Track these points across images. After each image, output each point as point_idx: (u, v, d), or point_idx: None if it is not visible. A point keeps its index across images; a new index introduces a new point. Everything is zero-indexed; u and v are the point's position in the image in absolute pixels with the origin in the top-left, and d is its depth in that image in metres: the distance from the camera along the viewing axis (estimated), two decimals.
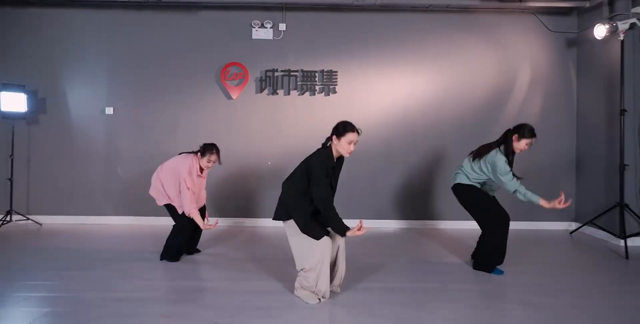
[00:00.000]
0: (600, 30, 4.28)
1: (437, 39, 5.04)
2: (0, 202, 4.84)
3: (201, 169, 3.56)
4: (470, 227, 4.06)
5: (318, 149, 2.73)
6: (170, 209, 3.51)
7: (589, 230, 4.68)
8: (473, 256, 3.57)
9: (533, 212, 5.01)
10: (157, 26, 4.99)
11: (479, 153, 3.35)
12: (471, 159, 3.41)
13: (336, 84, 5.00)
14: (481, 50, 5.06)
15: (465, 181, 3.39)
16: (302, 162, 2.73)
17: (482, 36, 5.06)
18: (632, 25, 4.03)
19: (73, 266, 3.30)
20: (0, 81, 4.71)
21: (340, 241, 2.76)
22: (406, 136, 5.03)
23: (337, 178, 2.83)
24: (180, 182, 3.40)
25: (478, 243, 3.51)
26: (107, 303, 2.60)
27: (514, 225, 5.01)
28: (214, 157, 3.50)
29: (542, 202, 3.17)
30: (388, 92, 5.03)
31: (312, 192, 2.59)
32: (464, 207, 3.49)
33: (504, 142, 3.30)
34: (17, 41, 4.95)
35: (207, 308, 2.56)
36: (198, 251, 3.76)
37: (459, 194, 3.44)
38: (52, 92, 4.98)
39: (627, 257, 3.76)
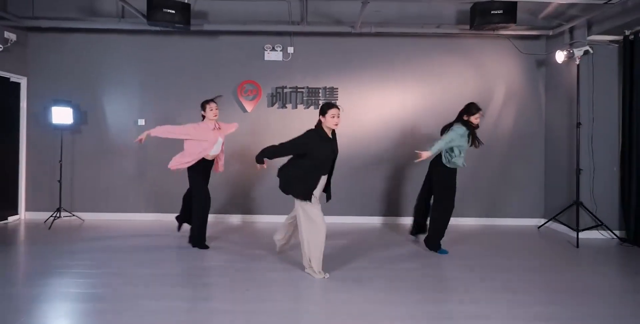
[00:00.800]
0: (559, 56, 5.08)
1: (423, 59, 5.82)
2: (51, 201, 5.66)
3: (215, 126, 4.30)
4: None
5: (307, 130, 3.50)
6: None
7: (554, 225, 5.46)
8: (412, 233, 4.66)
9: (507, 210, 5.81)
10: (182, 49, 5.78)
11: (444, 130, 4.33)
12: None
13: (337, 99, 5.78)
14: (461, 69, 5.84)
15: (445, 162, 4.21)
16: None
17: (462, 57, 5.83)
18: (586, 52, 4.80)
19: (113, 252, 4.11)
20: (51, 98, 5.54)
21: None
22: (397, 143, 5.79)
23: (337, 148, 3.61)
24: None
25: (420, 222, 4.56)
26: (143, 280, 3.39)
27: (490, 220, 5.85)
28: (213, 105, 4.27)
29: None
30: (381, 106, 5.81)
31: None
32: (434, 185, 4.33)
33: (460, 121, 4.23)
34: (64, 63, 5.76)
35: (237, 281, 3.35)
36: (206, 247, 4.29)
37: (439, 172, 4.29)
38: (92, 106, 5.78)
39: (577, 246, 4.55)
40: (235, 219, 5.78)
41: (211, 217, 4.64)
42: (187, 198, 4.37)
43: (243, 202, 5.80)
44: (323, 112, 3.42)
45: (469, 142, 4.15)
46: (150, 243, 4.49)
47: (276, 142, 3.57)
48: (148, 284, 3.22)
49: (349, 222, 5.70)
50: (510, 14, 4.69)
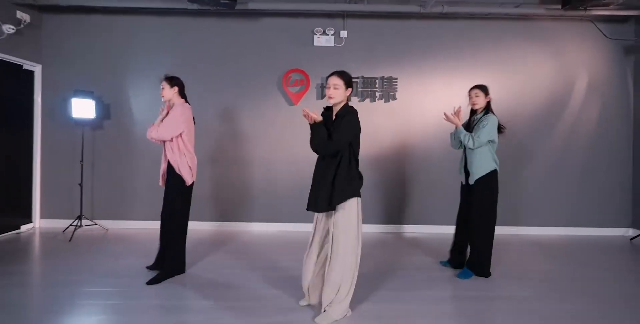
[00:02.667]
0: None
1: (494, 45, 5.09)
2: (69, 207, 4.94)
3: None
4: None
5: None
6: None
7: None
8: (452, 261, 3.62)
9: (590, 219, 5.10)
10: (220, 33, 5.05)
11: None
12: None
13: (396, 91, 5.06)
14: (537, 56, 5.11)
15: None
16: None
17: (538, 43, 5.11)
18: None
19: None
20: (71, 88, 4.81)
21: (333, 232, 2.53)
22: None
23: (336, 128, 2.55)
24: None
25: (460, 245, 3.56)
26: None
27: (569, 230, 5.14)
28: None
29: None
30: (446, 99, 5.07)
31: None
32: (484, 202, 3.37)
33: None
34: (84, 48, 5.01)
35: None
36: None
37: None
38: (116, 98, 5.05)
39: None
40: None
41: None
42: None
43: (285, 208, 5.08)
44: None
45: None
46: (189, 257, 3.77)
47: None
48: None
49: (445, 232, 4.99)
50: None
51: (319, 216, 2.65)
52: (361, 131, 2.65)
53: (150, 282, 3.12)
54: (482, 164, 3.29)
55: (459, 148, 3.54)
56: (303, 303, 2.77)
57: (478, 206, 3.30)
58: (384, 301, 2.90)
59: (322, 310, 2.54)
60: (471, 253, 3.39)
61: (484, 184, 3.29)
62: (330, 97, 2.59)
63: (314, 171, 2.65)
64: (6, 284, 3.12)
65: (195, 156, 3.35)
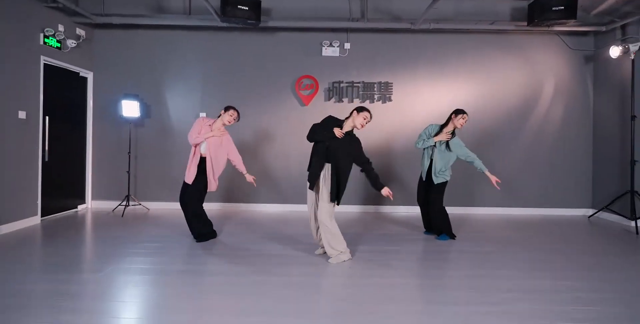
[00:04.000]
0: (614, 51, 5.24)
1: (475, 56, 6.01)
2: (115, 190, 5.89)
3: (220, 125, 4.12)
4: None
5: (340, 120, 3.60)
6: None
7: (604, 215, 5.64)
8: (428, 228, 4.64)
9: (556, 201, 6.00)
10: (243, 45, 6.00)
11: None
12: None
13: (392, 94, 5.99)
14: (511, 65, 6.03)
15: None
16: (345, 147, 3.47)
17: (511, 53, 6.02)
18: None
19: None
20: (119, 92, 5.77)
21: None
22: None
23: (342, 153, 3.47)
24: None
25: (427, 219, 4.58)
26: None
27: (539, 211, 6.03)
28: (235, 114, 4.10)
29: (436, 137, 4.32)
30: (434, 101, 6.01)
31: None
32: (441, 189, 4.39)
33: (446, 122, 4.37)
34: (128, 58, 5.98)
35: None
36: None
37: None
38: (156, 100, 6.00)
39: (637, 233, 4.73)
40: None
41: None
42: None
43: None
44: (360, 109, 3.55)
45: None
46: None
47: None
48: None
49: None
50: (570, 10, 4.89)
51: (311, 193, 3.61)
52: (362, 129, 3.69)
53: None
54: (448, 173, 4.35)
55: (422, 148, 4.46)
56: (319, 251, 3.73)
57: (436, 196, 4.35)
58: (381, 251, 3.82)
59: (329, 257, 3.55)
60: (434, 225, 4.45)
61: (442, 184, 4.33)
62: (362, 126, 3.54)
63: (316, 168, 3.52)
64: (80, 244, 4.06)
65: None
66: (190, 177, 4.04)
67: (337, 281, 3.16)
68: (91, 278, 3.06)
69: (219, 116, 4.14)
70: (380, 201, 5.98)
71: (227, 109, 4.12)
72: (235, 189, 5.98)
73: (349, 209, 5.90)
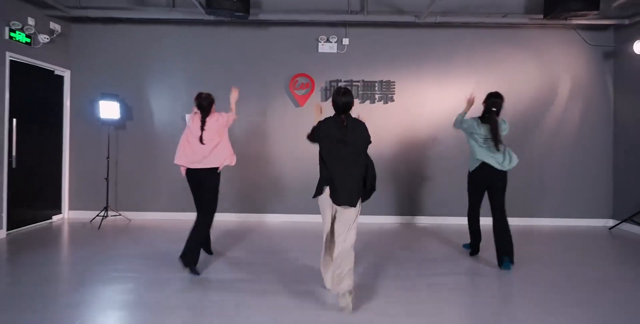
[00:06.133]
0: (638, 46, 4.77)
1: (484, 52, 5.53)
2: (95, 199, 5.41)
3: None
4: None
5: (360, 123, 2.88)
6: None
7: (626, 226, 5.16)
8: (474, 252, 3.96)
9: (573, 210, 5.52)
10: (232, 41, 5.52)
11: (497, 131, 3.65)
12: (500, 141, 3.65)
13: (394, 93, 5.51)
14: (524, 61, 5.55)
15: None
16: (355, 141, 2.81)
17: (525, 49, 5.54)
18: None
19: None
20: (96, 91, 5.30)
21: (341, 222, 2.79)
22: (456, 142, 5.49)
23: None
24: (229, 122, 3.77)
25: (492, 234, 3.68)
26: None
27: (554, 221, 5.55)
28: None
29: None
30: (440, 101, 5.53)
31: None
32: (500, 193, 3.69)
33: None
34: (108, 55, 5.51)
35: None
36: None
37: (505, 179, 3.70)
38: (138, 100, 5.53)
39: None
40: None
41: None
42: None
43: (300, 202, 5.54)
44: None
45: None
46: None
47: None
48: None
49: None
50: (593, 0, 4.40)
51: (329, 212, 2.82)
52: None
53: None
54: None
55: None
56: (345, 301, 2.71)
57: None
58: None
59: (342, 296, 2.67)
60: (502, 244, 3.64)
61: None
62: None
63: (336, 169, 2.79)
64: (47, 262, 3.59)
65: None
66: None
67: None
68: None
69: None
70: (377, 211, 5.50)
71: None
72: (222, 198, 5.50)
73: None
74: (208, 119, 3.57)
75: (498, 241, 3.59)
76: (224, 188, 5.43)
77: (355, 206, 2.78)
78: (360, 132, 2.84)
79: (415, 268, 3.57)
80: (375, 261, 3.75)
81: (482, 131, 3.70)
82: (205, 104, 3.57)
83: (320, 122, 2.93)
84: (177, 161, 3.56)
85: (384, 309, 2.71)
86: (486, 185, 3.71)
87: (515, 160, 3.61)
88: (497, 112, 3.67)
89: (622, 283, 3.26)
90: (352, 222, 2.77)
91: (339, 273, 2.67)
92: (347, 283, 2.65)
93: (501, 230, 3.57)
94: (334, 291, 2.76)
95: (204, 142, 3.49)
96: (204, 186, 3.55)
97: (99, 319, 2.54)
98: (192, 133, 3.57)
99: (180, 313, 2.63)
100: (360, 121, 2.91)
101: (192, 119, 3.62)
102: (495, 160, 3.62)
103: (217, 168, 3.55)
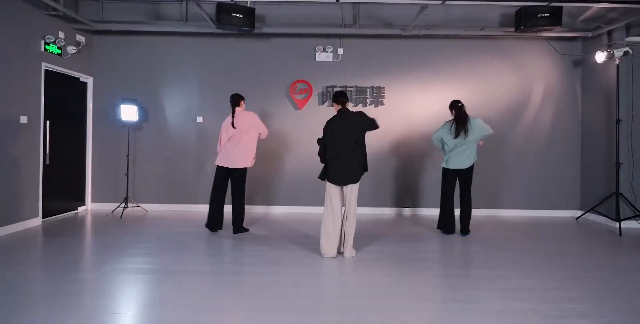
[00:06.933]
0: (599, 56, 5.39)
1: (465, 61, 6.15)
2: (114, 193, 6.05)
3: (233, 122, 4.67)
4: None
5: (356, 113, 3.89)
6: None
7: (592, 216, 5.77)
8: (442, 226, 4.86)
9: (544, 203, 6.12)
10: (239, 51, 6.15)
11: (464, 128, 4.59)
12: (464, 136, 4.59)
13: (384, 98, 6.13)
14: (501, 69, 6.16)
15: (473, 160, 4.69)
16: (351, 130, 3.77)
17: (501, 58, 6.16)
18: (626, 53, 5.11)
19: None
20: (117, 96, 5.93)
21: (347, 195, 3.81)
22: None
23: None
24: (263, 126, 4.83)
25: (445, 212, 4.81)
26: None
27: (528, 212, 6.15)
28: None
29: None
30: (425, 105, 6.14)
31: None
32: (466, 181, 4.74)
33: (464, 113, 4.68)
34: (127, 64, 6.14)
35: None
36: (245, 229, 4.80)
37: (470, 171, 4.72)
38: (153, 104, 6.16)
39: (620, 234, 4.86)
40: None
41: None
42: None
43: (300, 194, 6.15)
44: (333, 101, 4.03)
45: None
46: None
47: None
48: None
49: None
50: (556, 17, 5.02)
51: (337, 192, 3.80)
52: None
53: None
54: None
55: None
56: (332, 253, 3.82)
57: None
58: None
59: (342, 251, 3.84)
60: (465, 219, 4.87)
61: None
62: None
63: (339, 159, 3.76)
64: (80, 245, 4.21)
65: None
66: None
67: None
68: (90, 277, 3.20)
69: (238, 105, 4.80)
70: (372, 203, 6.11)
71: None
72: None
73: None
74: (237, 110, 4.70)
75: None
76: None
77: (357, 182, 3.77)
78: (357, 120, 3.80)
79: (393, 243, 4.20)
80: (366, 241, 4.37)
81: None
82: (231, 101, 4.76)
83: (327, 121, 3.87)
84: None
85: (366, 273, 3.34)
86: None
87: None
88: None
89: (573, 255, 3.87)
90: (356, 192, 3.79)
91: (350, 231, 3.76)
92: (352, 240, 3.81)
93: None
94: (332, 252, 3.75)
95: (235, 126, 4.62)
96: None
97: (122, 267, 3.15)
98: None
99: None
100: (358, 111, 3.91)
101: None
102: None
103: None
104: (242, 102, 4.78)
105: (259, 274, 3.31)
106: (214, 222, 4.68)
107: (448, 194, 4.77)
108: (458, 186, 4.80)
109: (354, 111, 3.95)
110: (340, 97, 3.90)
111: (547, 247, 4.29)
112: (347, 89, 6.12)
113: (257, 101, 6.14)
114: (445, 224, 4.80)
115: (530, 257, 3.92)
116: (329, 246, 3.75)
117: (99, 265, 3.49)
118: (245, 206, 6.22)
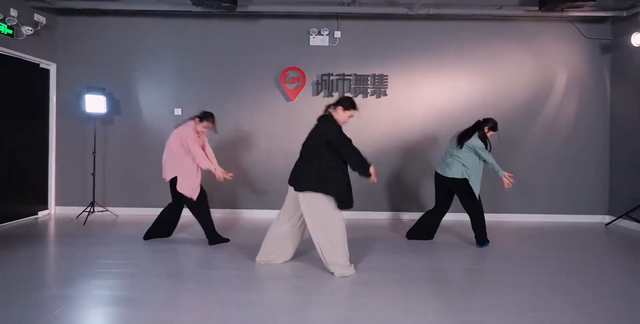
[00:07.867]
0: (636, 39, 4.67)
1: (478, 45, 5.42)
2: (82, 195, 5.32)
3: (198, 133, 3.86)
4: None
5: (323, 119, 3.13)
6: (173, 185, 3.85)
7: (623, 222, 5.06)
8: (411, 235, 4.29)
9: (569, 207, 5.42)
10: (222, 34, 5.41)
11: (461, 141, 3.90)
12: (457, 147, 3.91)
13: (387, 87, 5.40)
14: (519, 55, 5.44)
15: (458, 174, 3.88)
16: (312, 136, 3.12)
17: (520, 42, 5.43)
18: None
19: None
20: (83, 85, 5.19)
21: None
22: (449, 135, 5.39)
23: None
24: (189, 146, 3.73)
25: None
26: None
27: (550, 217, 5.46)
28: (209, 124, 3.87)
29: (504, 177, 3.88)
30: (433, 95, 5.43)
31: (348, 161, 3.05)
32: (458, 194, 4.01)
33: (479, 130, 3.92)
34: (96, 48, 5.40)
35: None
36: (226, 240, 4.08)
37: (456, 185, 3.94)
38: (126, 94, 5.42)
39: None
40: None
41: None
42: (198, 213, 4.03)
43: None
44: (347, 107, 3.13)
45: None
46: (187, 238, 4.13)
47: None
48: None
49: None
50: None
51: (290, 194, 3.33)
52: (354, 126, 3.14)
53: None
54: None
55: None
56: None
57: None
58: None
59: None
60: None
61: None
62: (345, 123, 3.20)
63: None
64: (30, 257, 3.49)
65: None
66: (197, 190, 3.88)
67: None
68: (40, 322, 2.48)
69: (192, 119, 3.87)
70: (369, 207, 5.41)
71: (203, 118, 3.84)
72: (213, 193, 5.40)
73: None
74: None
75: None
76: (211, 185, 5.35)
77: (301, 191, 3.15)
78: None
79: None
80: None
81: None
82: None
83: (337, 125, 3.13)
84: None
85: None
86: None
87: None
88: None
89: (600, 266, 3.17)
90: (309, 205, 3.17)
91: (323, 245, 3.13)
92: (334, 257, 3.13)
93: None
94: (261, 258, 3.40)
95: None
96: None
97: (79, 308, 2.44)
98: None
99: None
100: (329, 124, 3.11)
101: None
102: None
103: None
104: (196, 120, 3.88)
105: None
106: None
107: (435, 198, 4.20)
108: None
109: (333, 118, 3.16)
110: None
111: (582, 261, 3.58)
112: (346, 77, 5.39)
113: (243, 91, 5.42)
114: (412, 228, 4.33)
115: (568, 276, 3.21)
116: (260, 251, 3.42)
117: (53, 300, 2.69)
118: (231, 211, 5.58)
